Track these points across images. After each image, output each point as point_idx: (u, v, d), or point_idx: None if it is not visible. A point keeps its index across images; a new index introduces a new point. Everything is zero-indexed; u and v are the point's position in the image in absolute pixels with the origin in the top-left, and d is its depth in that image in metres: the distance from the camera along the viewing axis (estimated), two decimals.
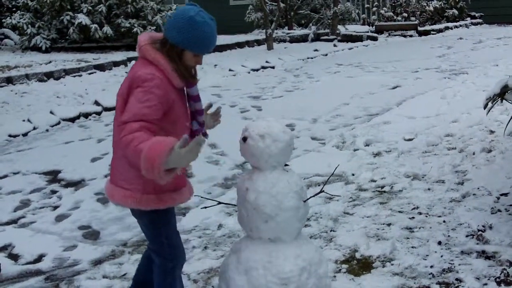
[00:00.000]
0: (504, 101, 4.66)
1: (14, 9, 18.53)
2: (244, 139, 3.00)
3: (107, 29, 16.32)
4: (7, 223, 5.29)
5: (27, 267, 4.41)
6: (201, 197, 3.93)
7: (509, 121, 5.07)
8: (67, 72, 13.14)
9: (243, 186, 3.03)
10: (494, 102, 4.67)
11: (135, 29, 16.36)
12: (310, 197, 3.19)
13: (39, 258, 4.53)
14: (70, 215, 5.41)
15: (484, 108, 4.79)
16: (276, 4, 19.56)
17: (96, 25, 16.20)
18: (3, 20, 17.87)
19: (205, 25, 2.92)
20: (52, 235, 4.96)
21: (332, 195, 3.77)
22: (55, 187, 6.22)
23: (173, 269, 3.18)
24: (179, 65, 2.96)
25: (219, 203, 3.45)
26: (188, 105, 3.15)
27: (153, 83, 2.84)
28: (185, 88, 3.11)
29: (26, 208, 5.63)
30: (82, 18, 16.08)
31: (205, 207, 3.54)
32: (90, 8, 16.43)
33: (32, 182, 6.40)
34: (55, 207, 5.62)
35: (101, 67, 13.92)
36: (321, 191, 3.25)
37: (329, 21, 20.85)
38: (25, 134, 8.64)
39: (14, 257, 4.58)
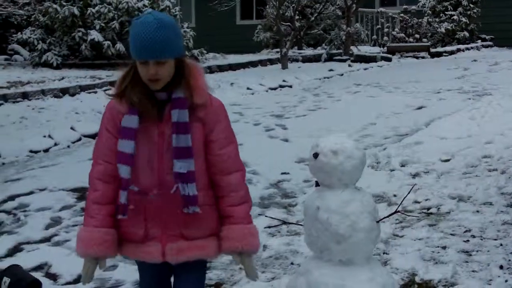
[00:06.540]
0: None
1: (24, 24, 18.48)
2: (315, 155, 2.85)
3: (119, 46, 16.19)
4: (41, 241, 5.09)
5: (68, 287, 4.22)
6: (265, 216, 3.75)
7: None
8: (82, 88, 12.96)
9: (313, 205, 2.87)
10: None
11: None
12: (384, 217, 3.02)
13: (79, 279, 4.32)
14: None
15: None
16: (288, 24, 19.47)
17: (109, 42, 16.07)
18: (14, 35, 17.78)
19: (140, 24, 2.44)
20: None
21: (408, 215, 3.59)
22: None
23: None
24: None
25: (284, 223, 3.29)
26: None
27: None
28: None
29: (58, 226, 5.43)
30: (95, 35, 15.94)
31: (269, 227, 3.36)
32: (103, 24, 16.30)
33: (61, 199, 6.19)
34: None
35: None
36: (396, 211, 3.08)
37: (340, 41, 20.74)
38: (46, 150, 8.47)
39: (53, 277, 4.39)
